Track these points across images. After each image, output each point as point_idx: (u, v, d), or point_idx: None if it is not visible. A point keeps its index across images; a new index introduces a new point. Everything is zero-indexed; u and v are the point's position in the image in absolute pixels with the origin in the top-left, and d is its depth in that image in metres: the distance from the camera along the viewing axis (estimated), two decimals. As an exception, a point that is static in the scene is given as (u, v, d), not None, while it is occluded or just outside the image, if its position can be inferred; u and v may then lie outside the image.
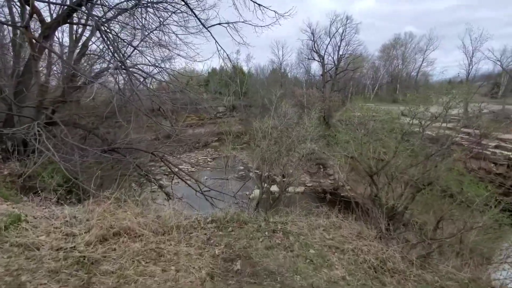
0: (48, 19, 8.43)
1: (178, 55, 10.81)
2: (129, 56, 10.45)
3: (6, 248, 3.48)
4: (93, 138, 10.37)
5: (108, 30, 8.20)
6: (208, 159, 36.23)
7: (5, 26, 10.56)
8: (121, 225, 4.35)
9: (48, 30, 7.72)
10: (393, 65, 39.86)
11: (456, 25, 74.86)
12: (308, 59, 43.30)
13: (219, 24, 9.27)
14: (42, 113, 8.39)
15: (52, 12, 9.74)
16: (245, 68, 54.89)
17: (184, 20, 9.52)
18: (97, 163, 8.39)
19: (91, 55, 11.52)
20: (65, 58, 10.29)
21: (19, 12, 9.28)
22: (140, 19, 8.72)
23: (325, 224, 5.47)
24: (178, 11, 8.93)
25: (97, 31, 6.97)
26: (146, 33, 9.40)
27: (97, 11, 8.96)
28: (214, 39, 9.40)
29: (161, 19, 9.09)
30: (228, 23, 9.18)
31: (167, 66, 10.77)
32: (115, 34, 9.13)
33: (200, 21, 8.88)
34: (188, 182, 10.08)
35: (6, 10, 9.60)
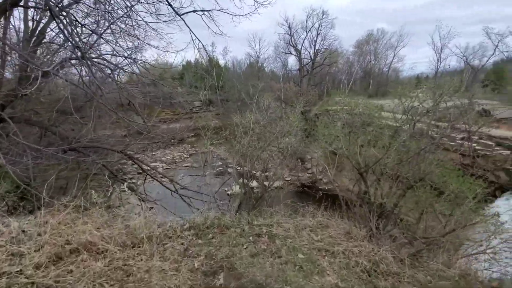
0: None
1: (149, 44, 9.90)
2: (93, 45, 9.36)
3: None
4: (52, 136, 9.24)
5: (66, 16, 7.18)
6: (185, 155, 35.05)
7: None
8: (80, 239, 3.70)
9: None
10: (366, 61, 41.17)
11: (424, 23, 79.14)
12: (285, 53, 43.26)
13: (194, 11, 8.55)
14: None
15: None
16: (221, 62, 53.61)
17: (155, 7, 8.67)
18: (57, 165, 7.42)
19: (51, 45, 10.20)
20: (20, 47, 8.97)
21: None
22: (104, 4, 7.74)
23: (312, 224, 5.18)
24: (148, -5, 8.06)
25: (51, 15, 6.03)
26: (112, 20, 8.42)
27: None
28: (188, 27, 8.66)
29: (128, 3, 8.17)
30: (203, 10, 8.48)
31: (138, 57, 9.83)
32: (75, 19, 8.06)
33: (172, 7, 8.10)
34: (164, 181, 9.37)
35: None
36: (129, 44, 9.68)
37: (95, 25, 9.04)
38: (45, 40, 9.80)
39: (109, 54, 9.29)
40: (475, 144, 15.31)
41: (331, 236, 4.72)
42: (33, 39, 9.62)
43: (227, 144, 32.60)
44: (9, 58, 10.01)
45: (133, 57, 9.59)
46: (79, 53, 6.09)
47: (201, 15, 8.52)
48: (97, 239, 3.79)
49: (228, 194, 20.69)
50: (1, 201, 5.81)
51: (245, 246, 4.24)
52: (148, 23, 9.03)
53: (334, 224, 5.18)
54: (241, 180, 7.13)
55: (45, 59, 10.36)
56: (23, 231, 3.93)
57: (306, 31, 38.35)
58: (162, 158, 32.97)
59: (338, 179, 28.56)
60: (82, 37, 7.64)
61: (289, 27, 39.28)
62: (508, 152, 13.70)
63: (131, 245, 3.87)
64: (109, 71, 8.50)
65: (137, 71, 10.31)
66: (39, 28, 9.51)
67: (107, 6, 7.82)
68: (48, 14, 8.44)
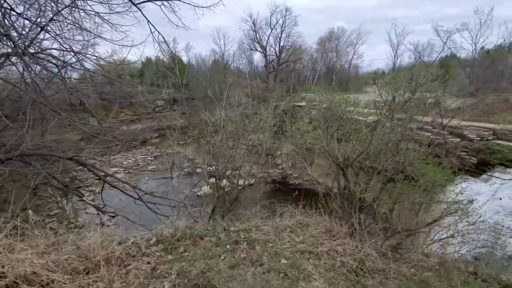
0: None
1: (100, 37, 8.78)
2: (35, 39, 8.01)
3: None
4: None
5: (1, 6, 5.94)
6: (149, 157, 32.99)
7: None
8: (18, 271, 2.96)
9: None
10: (329, 58, 42.73)
11: (377, 23, 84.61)
12: (251, 49, 42.99)
13: (151, 0, 7.73)
14: None
15: None
16: (184, 58, 51.47)
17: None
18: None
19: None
20: None
21: None
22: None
23: (292, 225, 4.91)
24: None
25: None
26: (57, 10, 7.23)
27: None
28: (146, 18, 7.79)
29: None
30: (162, 0, 7.71)
31: (90, 53, 8.66)
32: (10, 9, 6.75)
33: (126, -5, 7.20)
34: (125, 188, 8.43)
35: None
36: (79, 38, 8.48)
37: (38, 17, 7.74)
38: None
39: (56, 49, 8.04)
40: (429, 134, 16.53)
41: (313, 236, 4.49)
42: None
43: (195, 143, 31.45)
44: None
45: (85, 52, 8.42)
46: (19, 49, 5.09)
47: (160, 6, 7.73)
48: (40, 268, 3.07)
49: (198, 196, 19.87)
50: None
51: (222, 257, 3.80)
52: (99, 13, 7.96)
53: (314, 222, 4.97)
54: (213, 181, 6.63)
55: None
56: None
57: (270, 28, 38.54)
58: (124, 162, 30.70)
59: (305, 173, 29.17)
60: (21, 30, 6.44)
61: (254, 23, 39.09)
62: (458, 139, 15.10)
63: (85, 271, 3.21)
64: (56, 69, 7.34)
65: (90, 68, 9.12)
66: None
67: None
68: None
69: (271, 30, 38.62)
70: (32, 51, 6.49)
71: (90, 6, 7.32)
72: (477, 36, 32.82)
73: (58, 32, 7.62)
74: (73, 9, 7.57)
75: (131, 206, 8.04)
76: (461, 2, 66.84)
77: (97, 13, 7.87)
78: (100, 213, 7.37)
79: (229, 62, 45.47)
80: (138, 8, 7.58)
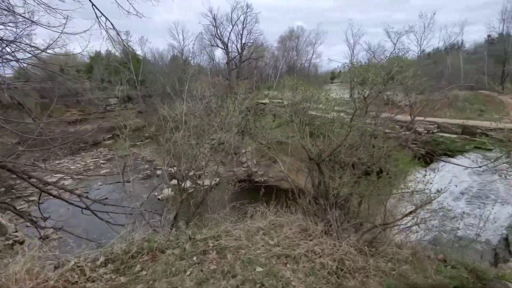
0: None
1: (33, 22, 7.37)
2: None
3: None
4: None
5: None
6: (101, 161, 30.03)
7: None
8: None
9: None
10: (290, 56, 43.62)
11: (332, 24, 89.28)
12: (211, 45, 41.78)
13: (94, -21, 6.65)
14: None
15: None
16: (139, 53, 47.95)
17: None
18: None
19: None
20: None
21: None
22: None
23: (265, 226, 4.55)
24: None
25: None
26: None
27: None
28: (90, 1, 6.71)
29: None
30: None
31: (26, 43, 7.17)
32: None
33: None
34: (71, 197, 7.22)
35: None
36: (11, 26, 6.98)
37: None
38: None
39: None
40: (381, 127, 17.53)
41: (288, 237, 4.18)
42: None
43: (154, 144, 29.50)
44: None
45: (19, 42, 6.95)
46: None
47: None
48: None
49: (159, 199, 18.54)
50: None
51: (188, 272, 3.27)
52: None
53: (288, 221, 4.67)
54: (174, 183, 5.96)
55: None
56: None
57: (231, 24, 37.87)
58: (72, 167, 27.50)
59: (272, 170, 29.37)
60: None
61: (214, 18, 38.00)
62: (408, 133, 16.38)
63: (2, 312, 2.43)
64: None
65: (27, 60, 7.60)
66: None
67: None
68: None
69: (232, 26, 38.01)
70: None
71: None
72: (421, 39, 36.36)
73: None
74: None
75: (80, 217, 6.92)
76: (408, 8, 73.71)
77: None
78: (37, 228, 6.18)
79: (189, 58, 43.61)
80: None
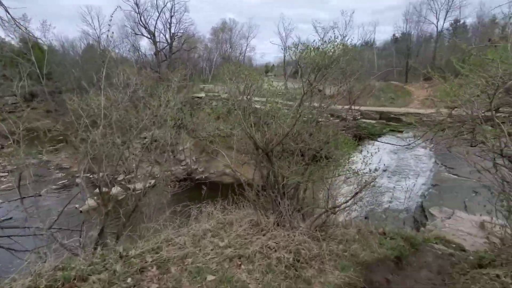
0: None
1: None
2: None
3: None
4: None
5: None
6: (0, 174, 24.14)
7: None
8: None
9: None
10: (223, 49, 42.76)
11: (265, 18, 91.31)
12: (135, 34, 37.57)
13: None
14: None
15: None
16: (44, 41, 39.72)
17: None
18: None
19: None
20: None
21: None
22: None
23: (213, 227, 4.09)
24: None
25: None
26: None
27: None
28: None
29: None
30: None
31: None
32: None
33: None
34: None
35: None
36: None
37: None
38: None
39: None
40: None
41: (239, 235, 3.83)
42: None
43: (70, 148, 25.17)
44: None
45: None
46: None
47: None
48: None
49: (81, 212, 15.86)
50: None
51: (121, 300, 2.60)
52: None
53: (237, 218, 4.32)
54: (97, 192, 4.92)
55: None
56: None
57: (158, 11, 34.72)
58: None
59: (213, 165, 28.65)
60: None
61: (137, 4, 34.17)
62: (338, 120, 18.06)
63: None
64: None
65: None
66: None
67: None
68: None
69: (159, 14, 34.91)
70: None
71: None
72: (344, 35, 40.30)
73: None
74: None
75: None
76: (328, 8, 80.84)
77: None
78: None
79: (110, 48, 38.25)
80: None
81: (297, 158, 4.07)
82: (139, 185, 5.00)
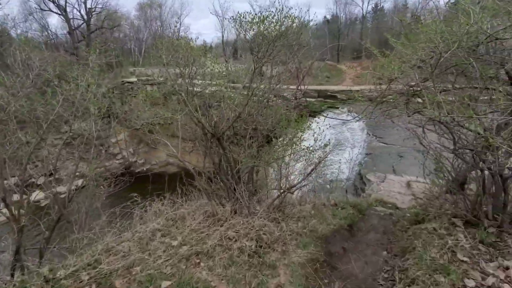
0: None
1: None
2: None
3: None
4: None
5: None
6: None
7: None
8: None
9: None
10: (154, 27, 38.57)
11: None
12: (41, 10, 30.82)
13: None
14: None
15: None
16: None
17: None
18: None
19: None
20: None
21: None
22: None
23: (162, 225, 3.64)
24: None
25: None
26: None
27: None
28: None
29: None
30: None
31: None
32: None
33: None
34: None
35: None
36: None
37: None
38: None
39: None
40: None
41: (194, 230, 3.49)
42: None
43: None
44: None
45: None
46: None
47: None
48: None
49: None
50: None
51: (50, 338, 2.05)
52: None
53: (190, 211, 3.93)
54: (16, 199, 3.86)
55: None
56: None
57: (65, -19, 28.86)
58: None
59: (154, 156, 26.69)
60: None
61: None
62: (281, 101, 18.46)
63: None
64: None
65: None
66: None
67: None
68: None
69: (68, -15, 29.16)
70: None
71: None
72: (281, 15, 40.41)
73: None
74: None
75: None
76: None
77: None
78: None
79: (10, 27, 30.64)
80: None
81: (250, 141, 3.84)
82: (62, 188, 4.11)
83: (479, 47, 3.01)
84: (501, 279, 2.42)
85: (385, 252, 3.60)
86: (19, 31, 31.65)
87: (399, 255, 3.40)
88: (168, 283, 2.68)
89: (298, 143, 4.08)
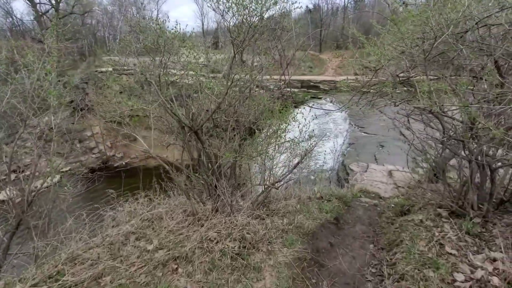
0: None
1: None
2: None
3: None
4: None
5: None
6: None
7: None
8: None
9: None
10: (130, 14, 36.39)
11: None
12: (-1, -8, 28.04)
13: None
14: None
15: None
16: None
17: None
18: None
19: None
20: None
21: None
22: None
23: (136, 227, 3.33)
24: None
25: None
26: None
27: None
28: None
29: None
30: None
31: None
32: None
33: None
34: None
35: None
36: None
37: None
38: None
39: None
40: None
41: (172, 231, 3.22)
42: None
43: None
44: None
45: None
46: None
47: None
48: None
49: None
50: None
51: None
52: None
53: (167, 210, 3.64)
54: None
55: None
56: None
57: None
58: None
59: (134, 149, 25.67)
60: None
61: None
62: (263, 91, 18.16)
63: None
64: None
65: None
66: None
67: None
68: None
69: (31, -35, 26.65)
70: None
71: None
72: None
73: None
74: None
75: None
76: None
77: None
78: None
79: None
80: None
81: (231, 134, 3.57)
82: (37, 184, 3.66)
83: (467, 33, 2.91)
84: (489, 272, 2.38)
85: (371, 245, 3.53)
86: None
87: (385, 248, 3.33)
88: (143, 293, 2.43)
89: (282, 135, 3.86)
